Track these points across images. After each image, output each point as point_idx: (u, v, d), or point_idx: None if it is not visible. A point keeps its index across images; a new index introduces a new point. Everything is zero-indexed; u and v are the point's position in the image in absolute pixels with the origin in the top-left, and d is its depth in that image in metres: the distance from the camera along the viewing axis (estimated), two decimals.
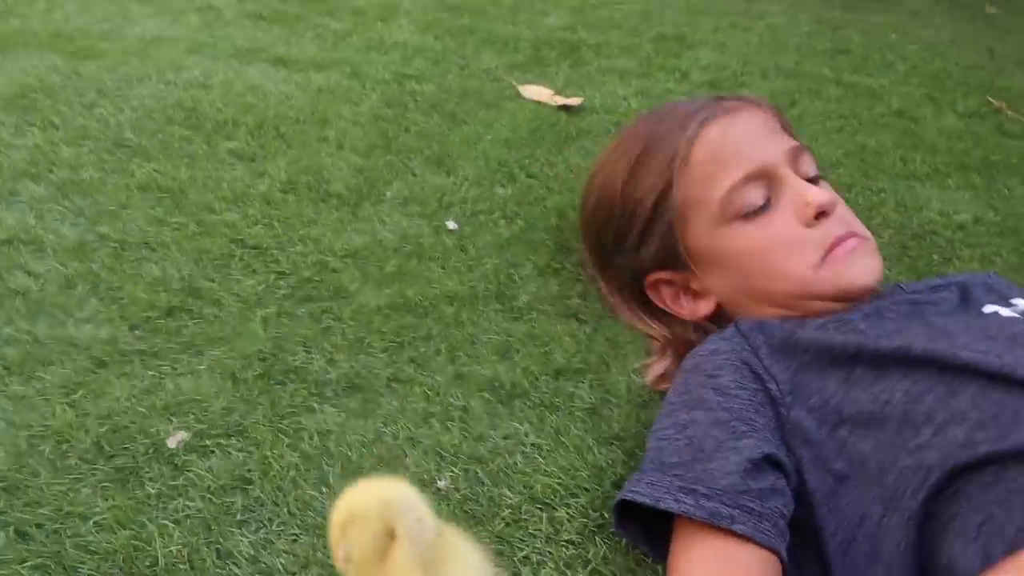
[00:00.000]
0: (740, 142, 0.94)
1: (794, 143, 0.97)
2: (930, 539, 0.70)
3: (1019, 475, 0.67)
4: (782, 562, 0.73)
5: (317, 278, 1.10)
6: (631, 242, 0.99)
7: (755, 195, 0.92)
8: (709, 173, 0.93)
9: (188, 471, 0.82)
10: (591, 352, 1.02)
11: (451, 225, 1.22)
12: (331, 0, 2.11)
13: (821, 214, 0.91)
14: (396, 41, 1.87)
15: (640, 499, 0.76)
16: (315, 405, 0.91)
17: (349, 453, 0.86)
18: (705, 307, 0.98)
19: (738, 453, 0.76)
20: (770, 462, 0.77)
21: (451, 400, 0.93)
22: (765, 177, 0.93)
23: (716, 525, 0.72)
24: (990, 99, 2.22)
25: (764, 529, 0.72)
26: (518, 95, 1.68)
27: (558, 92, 1.70)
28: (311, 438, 0.87)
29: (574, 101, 1.65)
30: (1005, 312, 0.88)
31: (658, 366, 0.98)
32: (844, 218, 0.94)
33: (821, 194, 0.92)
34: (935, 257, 1.40)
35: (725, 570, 0.72)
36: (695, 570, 0.73)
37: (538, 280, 1.13)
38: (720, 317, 0.98)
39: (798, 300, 0.91)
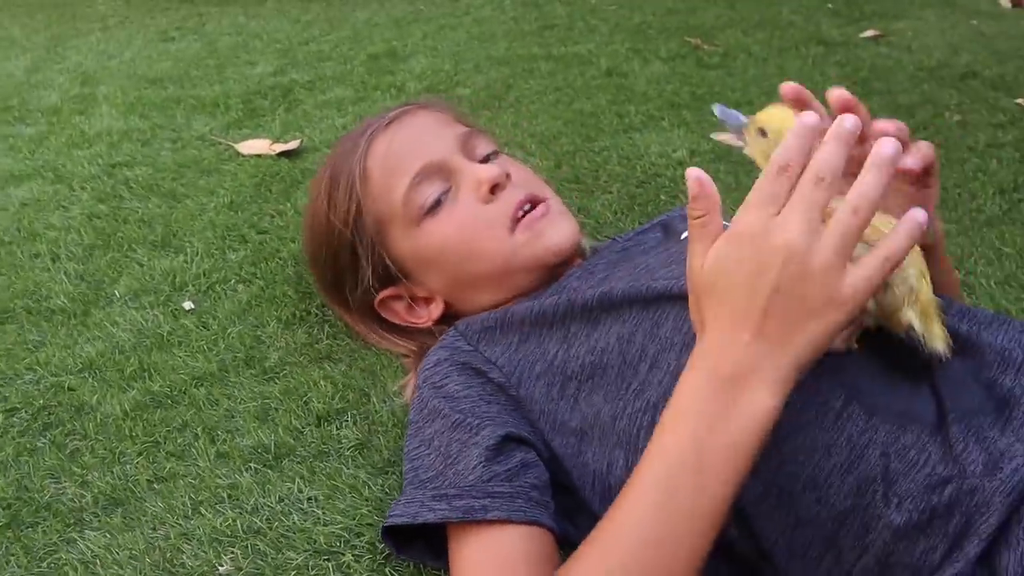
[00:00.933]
0: (406, 146, 0.98)
1: (465, 129, 1.02)
2: None
3: None
4: (550, 530, 0.77)
5: (54, 402, 1.04)
6: (348, 270, 1.01)
7: (432, 190, 0.96)
8: (386, 183, 0.97)
9: None
10: (349, 389, 1.02)
11: (188, 305, 1.18)
12: (18, 104, 1.98)
13: (495, 187, 0.96)
14: (99, 131, 1.78)
15: (400, 521, 0.77)
16: (75, 535, 0.86)
17: (120, 572, 0.82)
18: (436, 309, 1.02)
19: (478, 446, 0.79)
20: (512, 440, 0.81)
21: (218, 481, 0.91)
22: (438, 171, 0.97)
23: (473, 520, 0.75)
24: (687, 39, 2.41)
25: (518, 507, 0.76)
26: (237, 154, 1.65)
27: (277, 140, 1.69)
28: (75, 571, 0.83)
29: (292, 145, 1.64)
30: None
31: (414, 382, 1.00)
32: (521, 184, 0.98)
33: (491, 169, 0.96)
34: (662, 198, 1.51)
35: (494, 559, 0.75)
36: (470, 569, 0.75)
37: (285, 334, 1.12)
38: (454, 316, 1.01)
39: (507, 276, 0.96)
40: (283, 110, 1.88)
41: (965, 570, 0.62)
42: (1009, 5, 2.81)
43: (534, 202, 0.98)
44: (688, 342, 0.77)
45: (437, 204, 0.96)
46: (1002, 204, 1.41)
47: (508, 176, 0.97)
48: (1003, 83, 2.00)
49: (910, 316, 0.68)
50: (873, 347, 0.72)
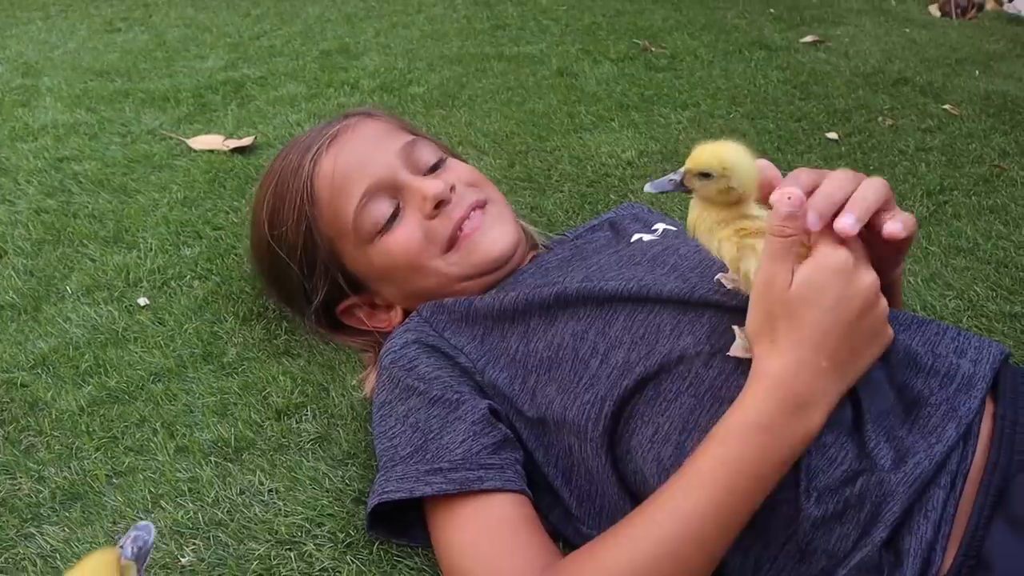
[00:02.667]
0: (350, 165, 0.98)
1: (407, 139, 1.02)
2: (622, 457, 0.81)
3: (671, 384, 0.78)
4: (530, 499, 0.82)
5: (7, 398, 1.03)
6: (301, 286, 1.02)
7: (381, 209, 0.97)
8: (335, 205, 0.98)
9: None
10: (308, 383, 1.04)
11: (142, 301, 1.19)
12: None
13: (440, 203, 0.97)
14: (44, 124, 1.75)
15: (396, 496, 0.80)
16: (32, 530, 0.87)
17: None
18: (396, 315, 1.04)
19: (462, 420, 0.83)
20: (492, 412, 0.85)
21: (178, 475, 0.92)
22: (385, 188, 0.98)
23: (469, 491, 0.79)
24: (636, 41, 2.47)
25: (509, 477, 0.80)
26: (189, 150, 1.65)
27: (230, 136, 1.68)
28: (34, 565, 0.83)
29: (245, 142, 1.65)
30: (647, 237, 1.01)
31: (373, 376, 1.02)
32: (465, 195, 0.99)
33: (435, 185, 0.97)
34: (612, 197, 1.55)
35: (493, 523, 0.79)
36: (466, 538, 0.79)
37: (243, 330, 1.13)
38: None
39: (452, 287, 0.98)
40: (235, 105, 1.87)
41: (872, 554, 0.68)
42: (939, 14, 2.93)
43: (479, 209, 0.99)
44: (636, 341, 0.81)
45: (388, 223, 0.97)
46: (929, 205, 1.49)
47: (453, 189, 0.98)
48: (932, 89, 2.10)
49: None
50: None
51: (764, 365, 0.69)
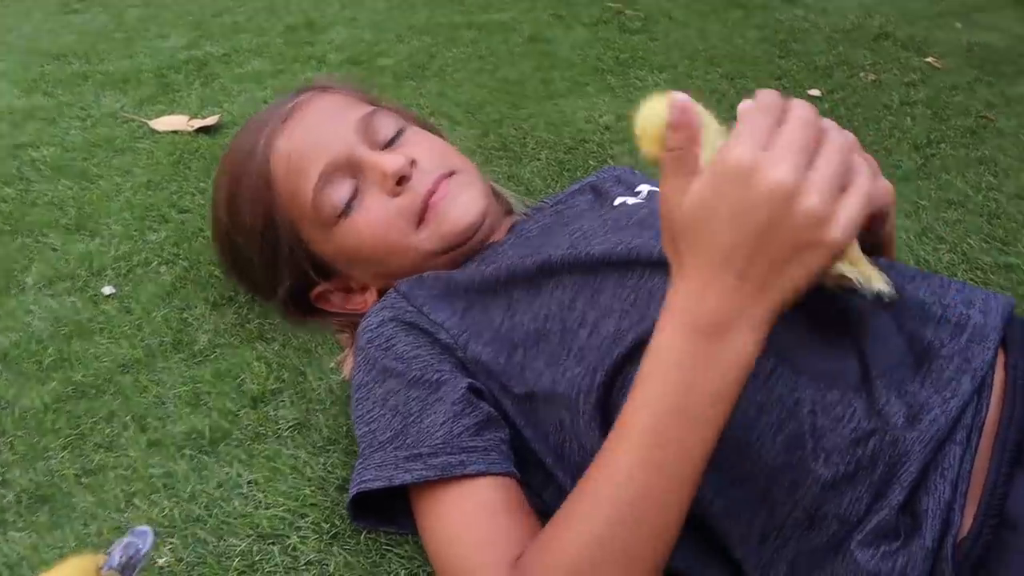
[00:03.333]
0: (305, 144, 0.92)
1: (365, 111, 0.95)
2: None
3: None
4: (518, 481, 0.78)
5: None
6: (267, 274, 0.96)
7: (340, 190, 0.91)
8: (292, 187, 0.92)
9: None
10: (284, 368, 1.00)
11: (107, 290, 1.13)
12: None
13: (402, 179, 0.91)
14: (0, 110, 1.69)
15: (374, 485, 0.76)
16: None
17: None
18: (371, 297, 0.99)
19: (442, 402, 0.79)
20: (474, 391, 0.81)
21: (151, 471, 0.88)
22: (342, 168, 0.92)
23: (452, 476, 0.75)
24: (609, 4, 2.42)
25: (493, 460, 0.76)
26: (152, 131, 1.59)
27: (194, 116, 1.62)
28: (0, 574, 0.79)
29: (210, 121, 1.59)
30: (631, 200, 0.96)
31: (352, 357, 0.98)
32: (428, 169, 0.93)
33: (394, 160, 0.91)
34: (591, 163, 1.51)
35: (475, 511, 0.75)
36: (449, 527, 0.75)
37: (214, 315, 1.09)
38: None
39: (427, 263, 0.93)
40: (199, 84, 1.81)
41: (888, 517, 0.64)
42: None
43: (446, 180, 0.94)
44: (627, 308, 0.77)
45: (349, 203, 0.91)
46: (917, 159, 1.46)
47: (414, 163, 0.92)
48: (913, 43, 2.07)
49: (840, 268, 0.67)
50: (799, 308, 0.74)
51: (669, 294, 0.62)
